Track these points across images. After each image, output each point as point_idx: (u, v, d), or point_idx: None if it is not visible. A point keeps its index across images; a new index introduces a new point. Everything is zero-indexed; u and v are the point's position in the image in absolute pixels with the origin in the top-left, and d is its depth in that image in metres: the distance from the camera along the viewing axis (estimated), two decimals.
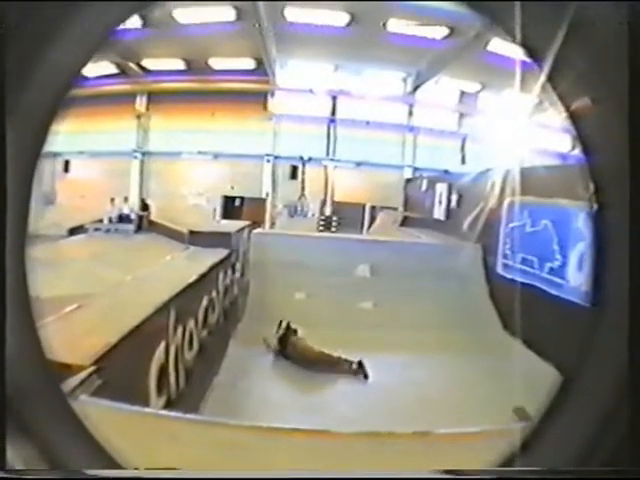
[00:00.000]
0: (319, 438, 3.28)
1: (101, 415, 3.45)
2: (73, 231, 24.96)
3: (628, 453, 1.49)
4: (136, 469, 1.91)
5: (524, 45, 1.56)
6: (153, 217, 26.95)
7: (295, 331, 12.07)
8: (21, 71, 1.44)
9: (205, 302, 9.49)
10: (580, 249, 11.06)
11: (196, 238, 12.50)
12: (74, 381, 4.01)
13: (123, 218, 26.54)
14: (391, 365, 11.57)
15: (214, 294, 10.32)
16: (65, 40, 1.48)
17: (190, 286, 8.34)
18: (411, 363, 11.74)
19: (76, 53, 1.52)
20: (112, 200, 27.73)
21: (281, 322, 12.22)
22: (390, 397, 9.72)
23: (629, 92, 1.47)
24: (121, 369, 5.08)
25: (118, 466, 1.75)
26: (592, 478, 1.52)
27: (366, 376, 10.81)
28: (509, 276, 14.24)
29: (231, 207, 30.98)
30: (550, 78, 1.57)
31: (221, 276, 11.14)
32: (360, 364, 10.97)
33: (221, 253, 11.55)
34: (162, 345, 6.83)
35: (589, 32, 1.48)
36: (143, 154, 32.46)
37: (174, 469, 2.07)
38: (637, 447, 1.48)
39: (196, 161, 32.04)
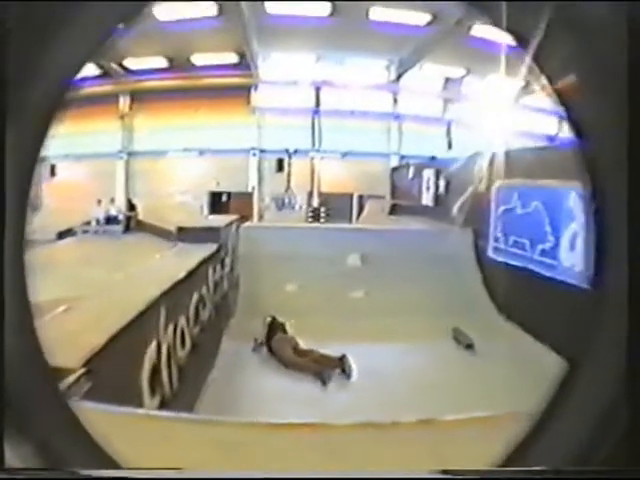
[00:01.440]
0: (319, 431, 3.17)
1: (93, 418, 3.34)
2: (62, 235, 24.90)
3: (628, 453, 1.48)
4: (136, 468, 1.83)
5: (511, 31, 1.51)
6: (141, 217, 26.95)
7: (282, 326, 11.87)
8: (20, 72, 1.43)
9: (195, 298, 9.36)
10: (572, 229, 11.01)
11: (184, 234, 12.36)
12: (63, 385, 3.90)
13: (111, 219, 26.54)
14: (385, 353, 11.49)
15: (204, 290, 10.19)
16: (64, 41, 1.47)
17: (179, 283, 8.21)
18: (406, 350, 11.66)
19: (75, 54, 1.51)
20: (99, 202, 27.68)
21: (265, 318, 12.02)
22: (387, 386, 9.61)
23: (623, 71, 1.43)
24: (112, 370, 4.96)
25: (117, 466, 1.70)
26: (592, 478, 1.49)
27: (348, 375, 10.42)
28: (501, 259, 14.20)
29: (218, 203, 30.97)
30: (537, 61, 1.53)
31: (211, 271, 11.02)
32: (342, 359, 10.58)
33: (210, 248, 11.43)
34: (154, 344, 6.71)
35: (576, 13, 1.44)
36: (128, 154, 32.38)
37: (177, 468, 1.97)
38: (637, 447, 1.46)
39: (182, 158, 31.98)
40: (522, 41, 1.52)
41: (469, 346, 12.71)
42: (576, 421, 1.54)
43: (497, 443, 1.61)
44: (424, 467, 2.50)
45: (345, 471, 2.14)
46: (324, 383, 10.17)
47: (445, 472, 1.71)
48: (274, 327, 11.80)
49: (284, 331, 11.80)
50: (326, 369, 10.38)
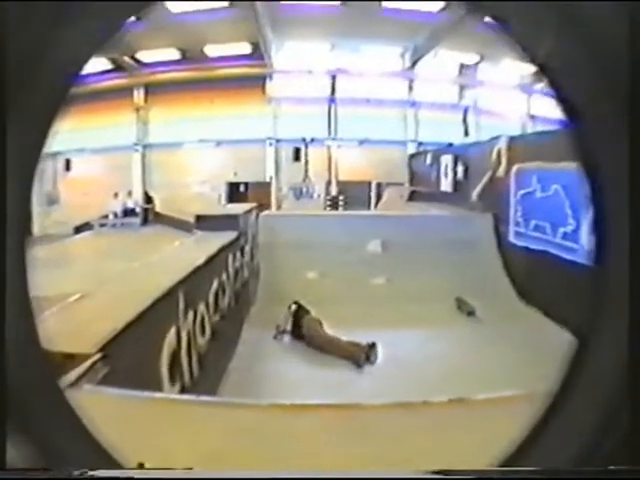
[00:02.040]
0: (348, 412, 3.02)
1: (109, 405, 3.23)
2: (79, 229, 24.98)
3: (628, 453, 1.47)
4: (141, 466, 1.76)
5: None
6: (158, 209, 26.90)
7: (307, 311, 11.79)
8: (22, 69, 1.43)
9: (215, 285, 9.19)
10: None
11: (203, 223, 12.24)
12: (78, 371, 3.78)
13: (128, 212, 26.54)
14: (409, 340, 11.33)
15: (224, 277, 10.04)
16: (67, 39, 1.46)
17: (199, 269, 8.05)
18: (429, 337, 11.49)
19: (78, 51, 1.50)
20: (116, 195, 27.69)
21: (291, 305, 11.94)
22: (413, 372, 9.45)
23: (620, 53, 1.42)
24: (129, 356, 4.83)
25: (117, 464, 1.63)
26: (592, 478, 1.49)
27: (373, 361, 10.37)
28: (522, 244, 14.04)
29: (236, 193, 30.92)
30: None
31: (230, 259, 10.87)
32: (373, 346, 10.52)
33: (229, 236, 11.29)
34: (173, 330, 6.56)
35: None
36: (144, 147, 32.38)
37: (177, 469, 1.87)
38: (637, 447, 1.46)
39: (198, 150, 31.93)
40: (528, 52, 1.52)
41: (470, 313, 13.01)
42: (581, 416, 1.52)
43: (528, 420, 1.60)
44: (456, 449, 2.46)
45: (343, 473, 2.00)
46: (359, 366, 10.15)
47: (441, 472, 1.65)
48: (301, 314, 11.72)
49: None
50: (359, 352, 10.34)
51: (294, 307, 11.90)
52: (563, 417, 1.53)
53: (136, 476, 1.67)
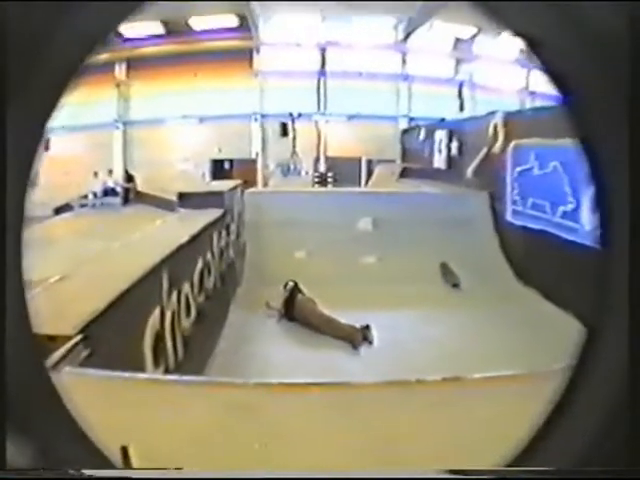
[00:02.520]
0: (339, 391, 3.02)
1: (91, 387, 3.23)
2: (59, 210, 24.84)
3: (628, 453, 1.49)
4: (124, 449, 1.90)
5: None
6: (140, 188, 26.78)
7: (301, 292, 11.84)
8: (20, 65, 1.47)
9: (200, 265, 9.20)
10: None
11: (187, 201, 12.21)
12: (58, 353, 3.79)
13: (108, 192, 26.37)
14: (402, 321, 11.37)
15: (209, 256, 10.04)
16: (63, 37, 1.50)
17: (182, 248, 8.05)
18: (423, 319, 11.53)
19: (74, 51, 1.55)
20: (95, 174, 27.54)
21: (287, 283, 11.97)
22: (407, 355, 9.47)
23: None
24: (111, 338, 4.83)
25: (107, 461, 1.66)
26: (592, 478, 1.51)
27: (370, 342, 10.50)
28: (519, 223, 14.04)
29: (220, 170, 30.76)
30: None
31: (215, 237, 10.87)
32: (367, 328, 10.61)
33: (214, 214, 11.28)
34: (156, 311, 6.56)
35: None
36: (125, 124, 32.12)
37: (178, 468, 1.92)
38: (637, 447, 1.47)
39: (181, 126, 31.74)
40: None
41: (455, 285, 13.27)
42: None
43: (526, 401, 1.69)
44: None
45: (345, 472, 2.01)
46: (355, 347, 10.29)
47: (452, 472, 1.66)
48: (295, 293, 11.80)
49: None
50: (356, 333, 10.48)
51: (291, 285, 11.95)
52: (566, 417, 1.54)
53: (137, 476, 1.71)
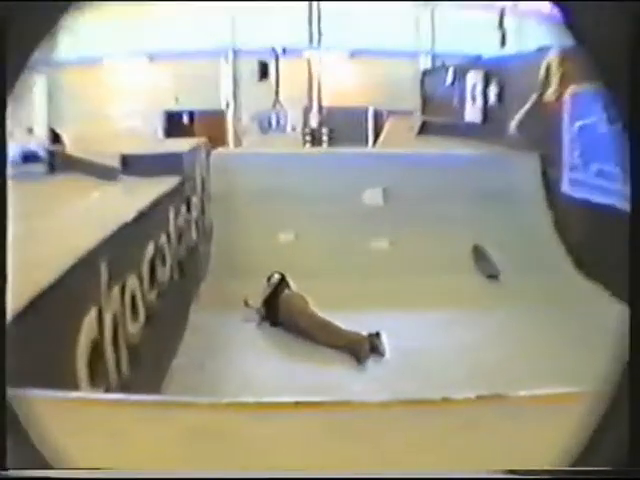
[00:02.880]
0: (336, 411, 3.05)
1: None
2: None
3: (628, 453, 1.70)
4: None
5: None
6: (70, 151, 26.78)
7: (289, 287, 11.89)
8: None
9: (151, 251, 9.19)
10: None
11: (132, 166, 12.19)
12: None
13: (29, 157, 26.31)
14: (422, 326, 11.43)
15: (163, 239, 10.02)
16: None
17: (127, 228, 8.04)
18: (450, 321, 11.58)
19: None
20: (10, 135, 27.51)
21: (272, 275, 12.03)
22: (428, 371, 9.52)
23: None
24: (32, 350, 4.84)
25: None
26: (592, 478, 1.73)
27: (380, 353, 10.54)
28: (580, 196, 14.06)
29: (177, 125, 30.85)
30: None
31: (171, 214, 10.86)
32: (376, 336, 10.65)
33: (169, 183, 11.26)
34: (93, 312, 6.57)
35: None
36: (49, 64, 32.08)
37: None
38: (637, 447, 1.66)
39: (124, 66, 31.75)
40: None
41: (492, 276, 13.40)
42: None
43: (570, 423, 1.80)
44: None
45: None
46: (360, 361, 10.30)
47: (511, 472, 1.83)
48: (281, 289, 11.86)
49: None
50: (363, 342, 10.53)
51: (277, 277, 11.99)
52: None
53: (137, 476, 1.96)
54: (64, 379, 5.68)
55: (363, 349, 10.38)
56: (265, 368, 10.08)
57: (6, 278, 1.66)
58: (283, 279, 11.99)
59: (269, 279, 12.01)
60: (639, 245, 1.55)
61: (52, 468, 1.84)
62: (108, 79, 31.93)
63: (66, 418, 3.08)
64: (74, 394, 4.22)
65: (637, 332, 1.57)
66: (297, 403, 3.10)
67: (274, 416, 3.04)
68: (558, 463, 1.79)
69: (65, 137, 27.82)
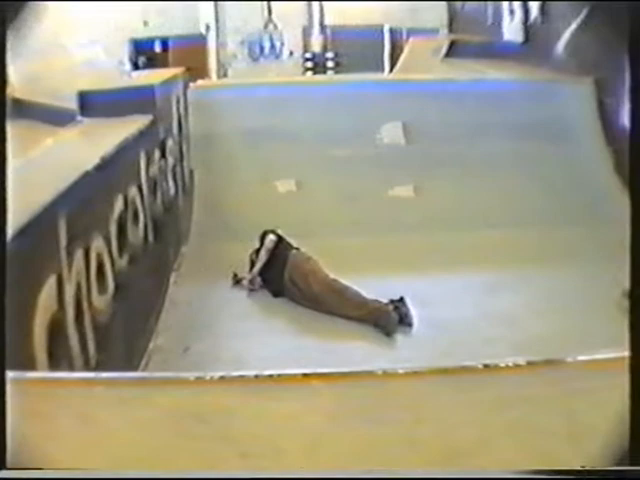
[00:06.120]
0: (354, 384, 3.09)
1: None
2: None
3: (628, 453, 1.97)
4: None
5: None
6: (18, 93, 26.80)
7: (291, 245, 11.90)
8: None
9: (119, 206, 9.19)
10: None
11: (93, 105, 12.16)
12: None
13: None
14: (456, 291, 11.49)
15: (133, 192, 10.00)
16: None
17: (89, 178, 8.03)
18: (490, 285, 11.68)
19: None
20: None
21: (265, 234, 11.97)
22: (465, 343, 9.56)
23: None
24: None
25: None
26: (592, 478, 1.96)
27: (408, 324, 10.63)
28: None
29: (148, 55, 30.77)
30: None
31: (143, 162, 10.82)
32: (401, 302, 10.76)
33: (138, 123, 11.22)
34: (51, 281, 6.58)
35: None
36: None
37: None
38: (637, 447, 1.93)
39: None
40: None
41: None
42: None
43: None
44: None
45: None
46: (389, 333, 10.41)
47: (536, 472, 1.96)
48: (280, 250, 11.85)
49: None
50: (388, 311, 10.62)
51: (272, 239, 11.93)
52: None
53: (137, 476, 2.03)
54: (21, 362, 5.73)
55: (391, 319, 10.45)
56: (266, 349, 9.99)
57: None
58: (281, 239, 11.94)
59: (262, 240, 11.95)
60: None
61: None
62: (62, 3, 31.88)
63: (26, 401, 3.14)
64: (34, 374, 4.27)
65: (637, 331, 1.45)
66: (303, 376, 3.13)
67: (278, 392, 3.07)
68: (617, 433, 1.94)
69: (12, 75, 27.82)
